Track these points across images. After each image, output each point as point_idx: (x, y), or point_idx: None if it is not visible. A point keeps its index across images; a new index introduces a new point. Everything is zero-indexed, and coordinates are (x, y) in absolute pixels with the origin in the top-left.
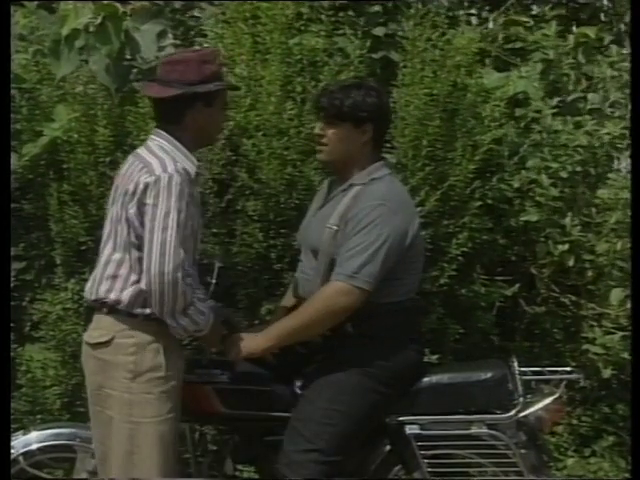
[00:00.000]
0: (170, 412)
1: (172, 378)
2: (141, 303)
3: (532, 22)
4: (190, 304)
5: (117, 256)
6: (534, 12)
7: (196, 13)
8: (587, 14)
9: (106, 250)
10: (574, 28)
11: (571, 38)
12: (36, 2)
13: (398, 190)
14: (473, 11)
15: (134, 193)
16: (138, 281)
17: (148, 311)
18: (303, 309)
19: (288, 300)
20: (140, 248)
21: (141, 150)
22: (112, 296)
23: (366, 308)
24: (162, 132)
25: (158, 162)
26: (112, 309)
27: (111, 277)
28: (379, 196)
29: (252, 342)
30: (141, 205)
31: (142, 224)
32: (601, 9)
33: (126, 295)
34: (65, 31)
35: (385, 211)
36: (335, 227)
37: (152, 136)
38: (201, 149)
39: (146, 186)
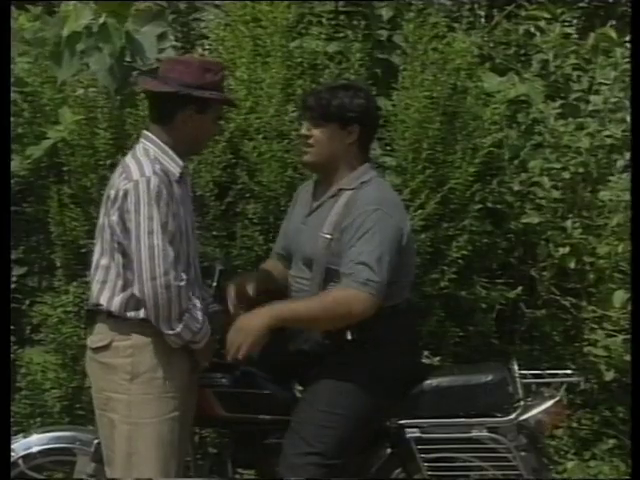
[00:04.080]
0: (171, 412)
1: (173, 378)
2: (133, 307)
3: (544, 23)
4: (186, 310)
5: (104, 261)
6: (547, 14)
7: (198, 15)
8: (620, 9)
9: (95, 255)
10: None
11: (591, 37)
12: (40, 6)
13: (389, 192)
14: (476, 13)
15: (115, 200)
16: (125, 286)
17: (142, 314)
18: (314, 303)
19: (270, 265)
20: (124, 254)
21: (127, 155)
22: (104, 302)
23: None
24: (149, 134)
25: (136, 166)
26: (108, 314)
27: (101, 282)
28: (373, 200)
29: (253, 317)
30: (123, 212)
31: (124, 231)
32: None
33: (117, 301)
34: (66, 32)
35: (382, 215)
36: (329, 236)
37: (140, 139)
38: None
39: (125, 193)
